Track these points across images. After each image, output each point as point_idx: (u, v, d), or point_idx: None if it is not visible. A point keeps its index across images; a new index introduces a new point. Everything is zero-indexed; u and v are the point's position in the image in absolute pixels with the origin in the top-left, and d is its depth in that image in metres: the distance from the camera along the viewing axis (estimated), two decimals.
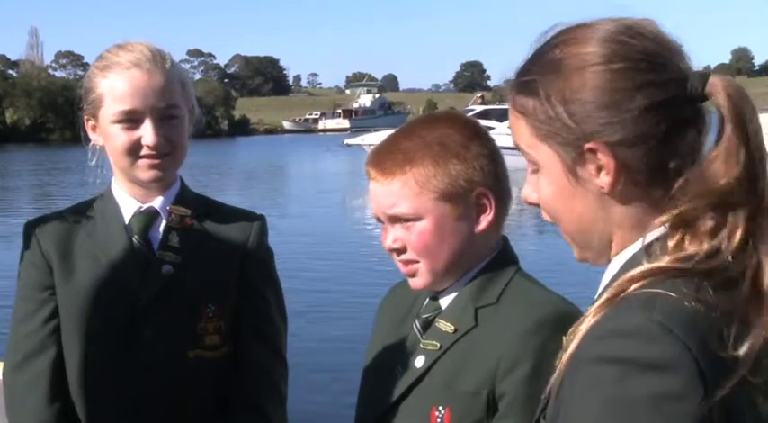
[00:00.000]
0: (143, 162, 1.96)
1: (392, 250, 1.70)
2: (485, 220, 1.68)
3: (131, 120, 1.94)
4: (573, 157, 1.12)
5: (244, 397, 2.03)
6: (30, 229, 2.05)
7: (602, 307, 1.05)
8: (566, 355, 1.06)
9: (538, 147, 1.16)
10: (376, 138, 34.83)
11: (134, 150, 1.95)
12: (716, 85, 1.08)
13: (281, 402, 2.08)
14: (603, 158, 1.10)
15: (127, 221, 2.02)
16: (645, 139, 1.08)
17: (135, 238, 2.00)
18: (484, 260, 1.71)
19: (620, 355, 0.98)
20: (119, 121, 1.95)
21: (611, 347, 1.00)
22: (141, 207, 2.03)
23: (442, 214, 1.66)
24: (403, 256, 1.70)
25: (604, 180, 1.11)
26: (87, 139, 2.04)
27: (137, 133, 1.94)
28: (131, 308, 1.95)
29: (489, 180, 1.68)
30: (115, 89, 1.94)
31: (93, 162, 2.06)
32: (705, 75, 1.09)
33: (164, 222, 2.02)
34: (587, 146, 1.10)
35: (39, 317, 1.98)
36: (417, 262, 1.68)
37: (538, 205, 1.21)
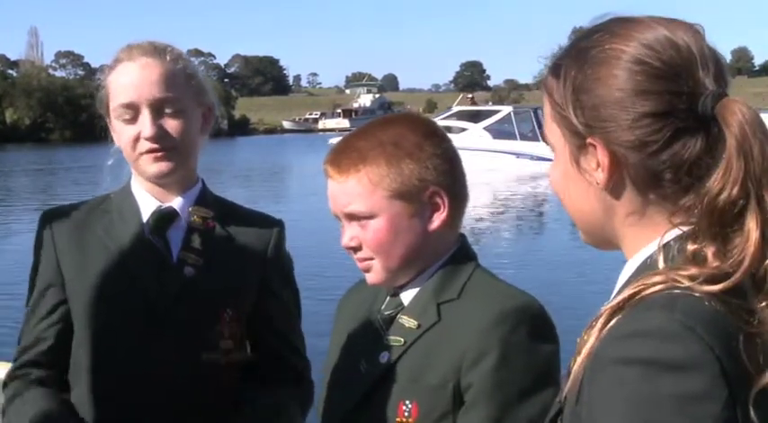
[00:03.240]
0: (146, 156, 1.95)
1: (349, 248, 1.73)
2: (438, 219, 1.70)
3: (130, 113, 1.93)
4: (578, 145, 1.14)
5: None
6: (46, 219, 2.04)
7: (617, 308, 1.04)
8: (581, 358, 1.05)
9: (553, 128, 1.18)
10: None
11: (136, 144, 1.94)
12: (728, 108, 1.07)
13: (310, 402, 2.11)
14: (600, 155, 1.11)
15: (145, 220, 2.01)
16: (642, 145, 1.09)
17: (152, 238, 1.99)
18: (442, 257, 1.73)
19: (642, 356, 0.98)
20: (120, 116, 1.95)
21: (632, 348, 0.99)
22: (161, 206, 2.01)
23: (395, 213, 1.68)
24: (359, 254, 1.73)
25: (599, 176, 1.12)
26: (112, 140, 2.04)
27: (137, 126, 1.93)
28: (146, 307, 1.94)
29: (443, 179, 1.70)
30: (115, 84, 1.96)
31: (110, 162, 2.05)
32: (719, 95, 1.08)
33: (183, 223, 2.01)
34: (589, 140, 1.12)
35: (41, 311, 1.99)
36: (373, 259, 1.71)
37: None
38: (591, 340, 1.04)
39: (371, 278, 1.74)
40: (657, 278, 1.04)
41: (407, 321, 1.70)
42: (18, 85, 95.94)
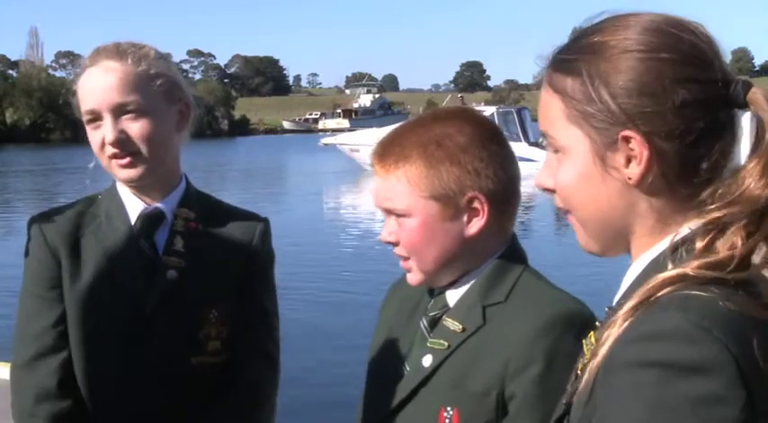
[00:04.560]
0: (113, 162, 1.93)
1: (388, 243, 1.72)
2: (476, 225, 1.65)
3: (94, 119, 1.92)
4: (606, 142, 1.10)
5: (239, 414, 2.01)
6: (35, 224, 2.02)
7: (631, 311, 1.03)
8: (595, 362, 1.03)
9: (567, 128, 1.14)
10: (350, 137, 34.62)
11: (103, 150, 1.93)
12: (758, 93, 1.07)
13: (271, 412, 2.08)
14: (637, 147, 1.08)
15: (132, 222, 1.99)
16: (682, 134, 1.07)
17: (141, 242, 1.98)
18: (490, 258, 1.69)
19: (658, 359, 0.96)
20: (87, 122, 1.94)
21: (648, 351, 0.97)
22: (146, 208, 2.00)
23: (430, 214, 1.64)
24: (397, 251, 1.71)
25: (634, 171, 1.09)
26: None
27: (101, 132, 1.92)
28: (135, 312, 1.93)
29: (485, 184, 1.65)
30: (81, 90, 1.95)
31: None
32: (749, 83, 1.09)
33: (169, 225, 2.00)
34: (623, 133, 1.08)
35: (50, 316, 1.95)
36: (409, 259, 1.69)
37: (551, 192, 1.19)
38: (609, 342, 1.02)
39: (411, 278, 1.72)
40: (671, 277, 1.02)
41: (452, 324, 1.66)
42: (18, 85, 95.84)
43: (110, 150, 1.91)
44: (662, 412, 0.94)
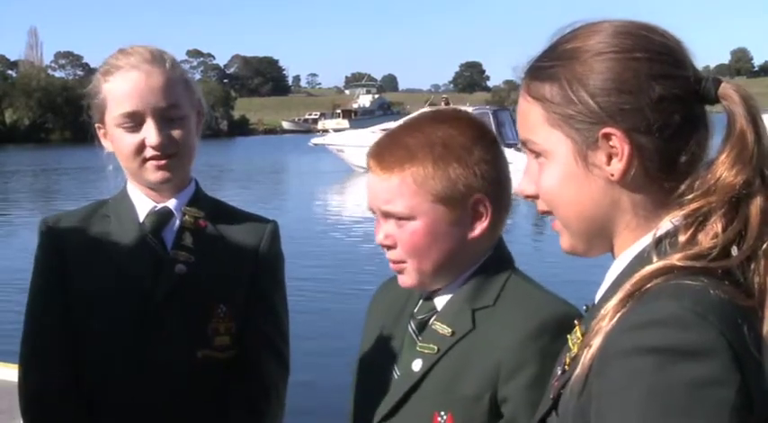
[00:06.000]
0: (150, 164, 1.97)
1: (382, 246, 1.68)
2: (479, 227, 1.64)
3: (133, 121, 1.95)
4: (587, 142, 1.14)
5: (247, 407, 2.02)
6: (46, 225, 2.06)
7: (621, 304, 1.05)
8: (589, 353, 1.05)
9: (549, 133, 1.17)
10: (337, 138, 34.62)
11: (139, 152, 1.96)
12: (728, 88, 1.12)
13: (281, 411, 2.10)
14: (618, 144, 1.12)
15: (141, 220, 2.03)
16: (660, 129, 1.11)
17: (149, 237, 2.01)
18: (478, 261, 1.67)
19: (656, 345, 0.98)
20: (122, 124, 1.96)
21: (643, 338, 0.99)
22: (156, 206, 2.04)
23: (436, 217, 1.62)
24: (392, 254, 1.67)
25: (616, 167, 1.12)
26: (101, 146, 2.04)
27: (140, 135, 1.95)
28: (143, 306, 1.96)
29: (488, 186, 1.63)
30: (116, 92, 1.96)
31: (110, 168, 2.07)
32: (718, 79, 1.14)
33: (177, 222, 2.03)
34: (603, 130, 1.12)
35: (57, 314, 1.98)
36: (405, 262, 1.65)
37: (534, 198, 1.22)
38: (601, 334, 1.04)
39: (404, 281, 1.68)
40: (658, 269, 1.05)
41: (441, 328, 1.64)
42: (17, 85, 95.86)
43: (150, 152, 1.95)
44: (659, 397, 0.95)
